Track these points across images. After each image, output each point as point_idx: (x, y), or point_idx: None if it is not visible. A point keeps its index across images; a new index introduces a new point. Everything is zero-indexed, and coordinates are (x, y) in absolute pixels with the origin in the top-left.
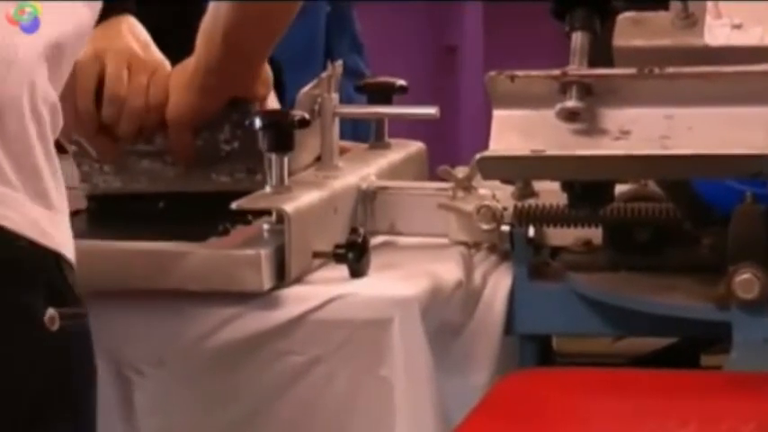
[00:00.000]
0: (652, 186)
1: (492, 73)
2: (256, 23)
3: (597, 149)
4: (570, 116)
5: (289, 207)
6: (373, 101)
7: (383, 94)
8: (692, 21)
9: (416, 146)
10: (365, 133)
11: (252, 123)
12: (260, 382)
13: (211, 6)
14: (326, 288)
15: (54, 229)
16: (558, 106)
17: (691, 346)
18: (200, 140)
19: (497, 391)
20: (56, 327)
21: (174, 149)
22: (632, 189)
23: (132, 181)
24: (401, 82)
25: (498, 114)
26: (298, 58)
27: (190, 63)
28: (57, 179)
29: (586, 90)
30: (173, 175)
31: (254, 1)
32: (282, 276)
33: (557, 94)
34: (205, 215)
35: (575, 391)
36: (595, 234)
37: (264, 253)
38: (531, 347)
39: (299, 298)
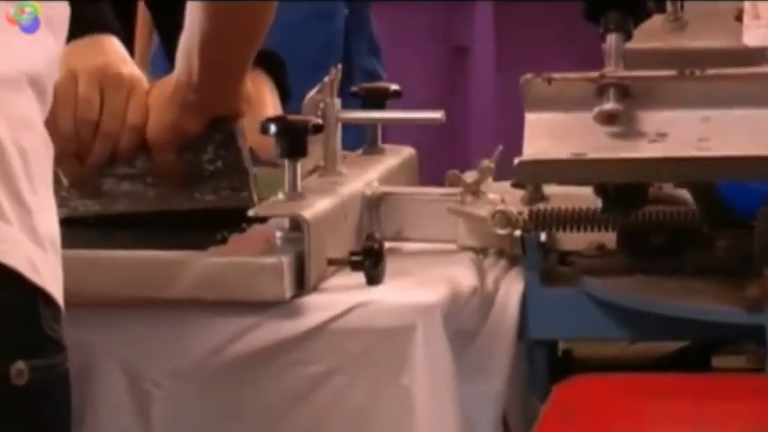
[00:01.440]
0: (667, 189)
1: (528, 76)
2: (230, 36)
3: (635, 152)
4: (608, 119)
5: (307, 213)
6: (367, 107)
7: (377, 100)
8: (680, 23)
9: (408, 151)
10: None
11: (264, 128)
12: (278, 392)
13: (187, 21)
14: (346, 296)
15: (43, 268)
16: (597, 109)
17: (702, 349)
18: (183, 161)
19: (561, 398)
20: (23, 381)
21: (156, 170)
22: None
23: (112, 203)
24: (395, 87)
25: (531, 118)
26: (315, 62)
27: (170, 80)
28: (47, 215)
29: (624, 92)
30: (154, 195)
31: (226, 13)
32: (302, 284)
33: (593, 96)
34: (189, 226)
35: (643, 396)
36: (608, 238)
37: (286, 260)
38: (541, 352)
39: (321, 306)
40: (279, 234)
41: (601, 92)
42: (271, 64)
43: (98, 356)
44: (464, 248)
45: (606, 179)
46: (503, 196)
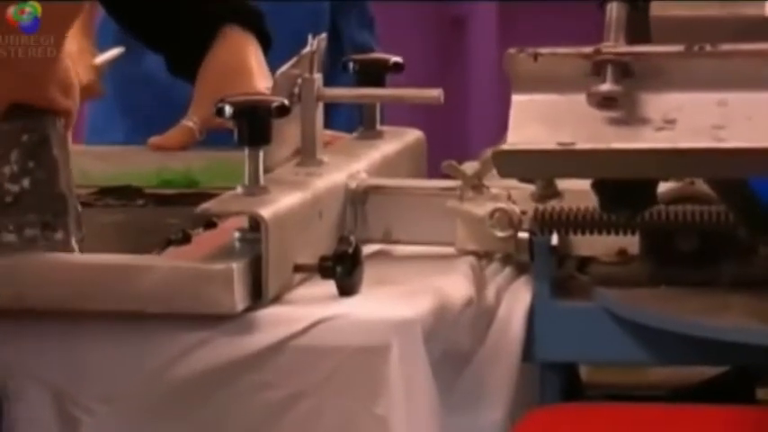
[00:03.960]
0: (700, 185)
1: (511, 50)
2: None
3: (637, 142)
4: (605, 102)
5: (265, 211)
6: (363, 82)
7: (374, 74)
8: None
9: (414, 135)
10: (350, 121)
11: (219, 110)
12: (232, 421)
13: None
14: (311, 309)
15: None
16: (591, 90)
17: (744, 377)
18: None
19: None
20: None
21: None
22: (676, 189)
23: None
24: (396, 59)
25: (518, 100)
26: (299, 36)
27: None
28: None
29: (624, 71)
30: None
31: None
32: (258, 295)
33: (588, 75)
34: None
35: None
36: (631, 242)
37: (237, 267)
38: (554, 378)
39: (279, 321)
40: (237, 235)
41: (597, 70)
42: (246, 17)
43: (19, 378)
44: (464, 253)
45: (599, 174)
46: (509, 192)
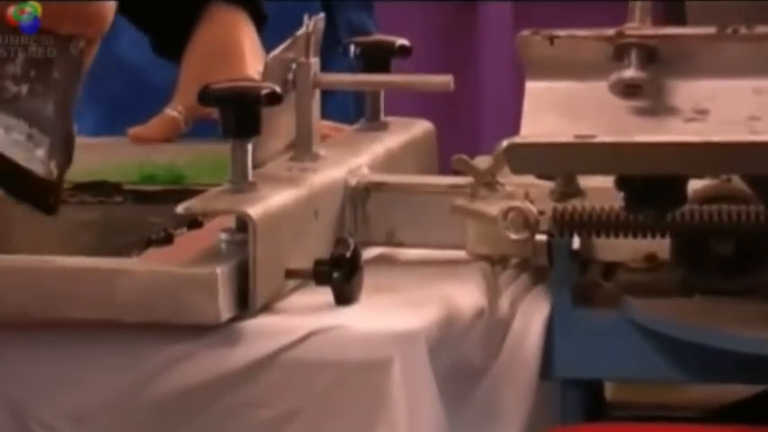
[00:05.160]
0: (737, 182)
1: (525, 32)
2: None
3: (664, 135)
4: (628, 90)
5: (254, 210)
6: (366, 67)
7: (378, 58)
8: None
9: (422, 126)
10: (351, 111)
11: (203, 98)
12: None
13: None
14: (304, 319)
15: None
16: (613, 77)
17: None
18: None
19: None
20: None
21: None
22: (710, 187)
23: None
24: (402, 41)
25: (533, 87)
26: (288, 15)
27: None
28: None
29: (650, 55)
30: None
31: None
32: (245, 303)
33: (611, 60)
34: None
35: None
36: (661, 246)
37: (222, 272)
38: (575, 396)
39: (268, 332)
40: (223, 236)
41: (620, 54)
42: None
43: None
44: (475, 257)
45: (623, 170)
46: (526, 190)
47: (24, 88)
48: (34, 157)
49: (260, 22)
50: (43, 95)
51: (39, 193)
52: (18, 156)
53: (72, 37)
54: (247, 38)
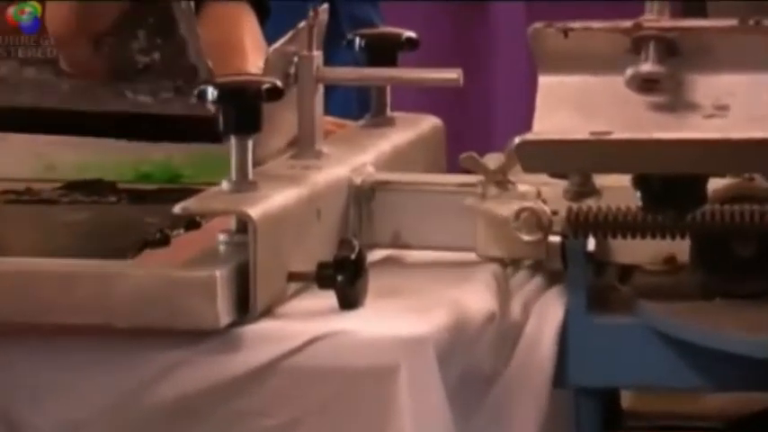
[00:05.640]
0: (759, 182)
1: (537, 25)
2: None
3: (683, 131)
4: (646, 85)
5: (254, 210)
6: (372, 61)
7: (384, 52)
8: None
9: (430, 122)
10: (354, 106)
11: (201, 93)
12: None
13: None
14: (307, 324)
15: None
16: (630, 71)
17: None
18: (106, 48)
19: None
20: None
21: (67, 63)
22: (731, 186)
23: (12, 94)
24: (409, 33)
25: (546, 82)
26: (292, 8)
27: None
28: None
29: (669, 49)
30: (69, 89)
31: None
32: (246, 307)
33: (628, 54)
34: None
35: None
36: (680, 248)
37: (221, 274)
38: (590, 405)
39: (269, 338)
40: (222, 238)
41: (637, 47)
42: None
43: None
44: (486, 259)
45: (641, 169)
46: (539, 189)
47: (156, 55)
48: (190, 104)
49: (263, 15)
50: (176, 52)
51: (207, 131)
52: (175, 110)
53: None
54: (249, 32)
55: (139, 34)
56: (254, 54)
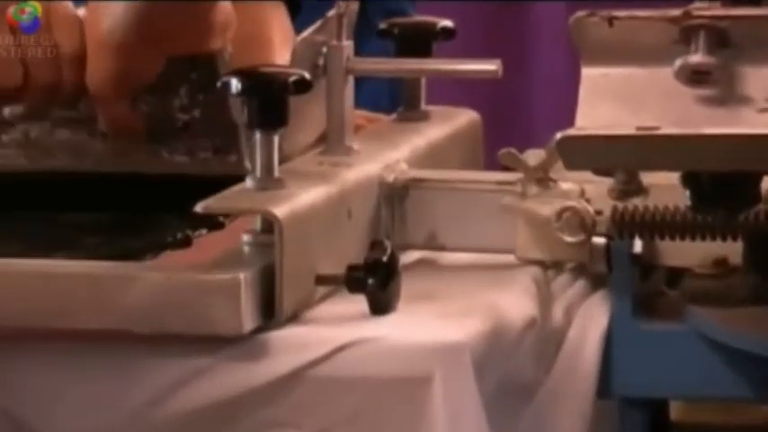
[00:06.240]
0: None
1: (580, 13)
2: None
3: (735, 126)
4: (696, 77)
5: (280, 209)
6: (405, 51)
7: (419, 42)
8: None
9: (467, 116)
10: (385, 100)
11: (225, 85)
12: None
13: None
14: (335, 330)
15: None
16: (679, 62)
17: None
18: (146, 106)
19: None
20: None
21: (105, 122)
22: None
23: (43, 157)
24: (445, 22)
25: (589, 74)
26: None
27: (97, 9)
28: None
29: (720, 39)
30: (104, 150)
31: None
32: (271, 312)
33: (676, 44)
34: (154, 210)
35: None
36: (732, 250)
37: (244, 277)
38: (637, 417)
39: (297, 345)
40: (246, 238)
41: (686, 37)
42: None
43: None
44: (526, 262)
45: (690, 166)
46: (582, 187)
47: (196, 112)
48: (228, 163)
49: (293, 7)
50: (217, 108)
51: None
52: (213, 170)
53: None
54: (277, 25)
55: (181, 91)
56: (282, 50)
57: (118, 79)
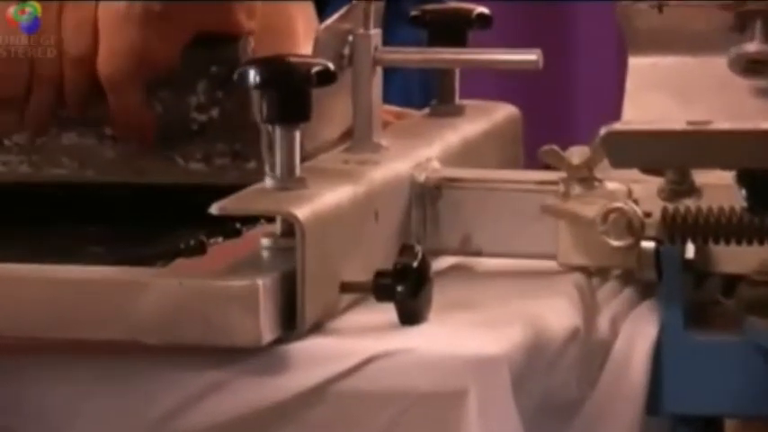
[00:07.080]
0: None
1: (627, 1)
2: None
3: None
4: (752, 67)
5: (301, 211)
6: (438, 41)
7: (453, 30)
8: None
9: (505, 111)
10: (415, 93)
11: (242, 76)
12: None
13: None
14: (362, 341)
15: None
16: (734, 51)
17: None
18: (158, 104)
19: None
20: None
21: (116, 119)
22: None
23: (48, 164)
24: (481, 9)
25: (637, 64)
26: None
27: None
28: None
29: None
30: (114, 156)
31: None
32: (292, 322)
33: (730, 32)
34: (167, 215)
35: None
36: None
37: (263, 284)
38: None
39: (319, 357)
40: (265, 242)
41: (741, 25)
42: None
43: None
44: (568, 268)
45: (745, 163)
46: (629, 186)
47: (215, 111)
48: (247, 171)
49: (320, 1)
50: (238, 107)
51: None
52: (230, 179)
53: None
54: (302, 15)
55: (198, 86)
56: (306, 41)
57: (134, 60)
